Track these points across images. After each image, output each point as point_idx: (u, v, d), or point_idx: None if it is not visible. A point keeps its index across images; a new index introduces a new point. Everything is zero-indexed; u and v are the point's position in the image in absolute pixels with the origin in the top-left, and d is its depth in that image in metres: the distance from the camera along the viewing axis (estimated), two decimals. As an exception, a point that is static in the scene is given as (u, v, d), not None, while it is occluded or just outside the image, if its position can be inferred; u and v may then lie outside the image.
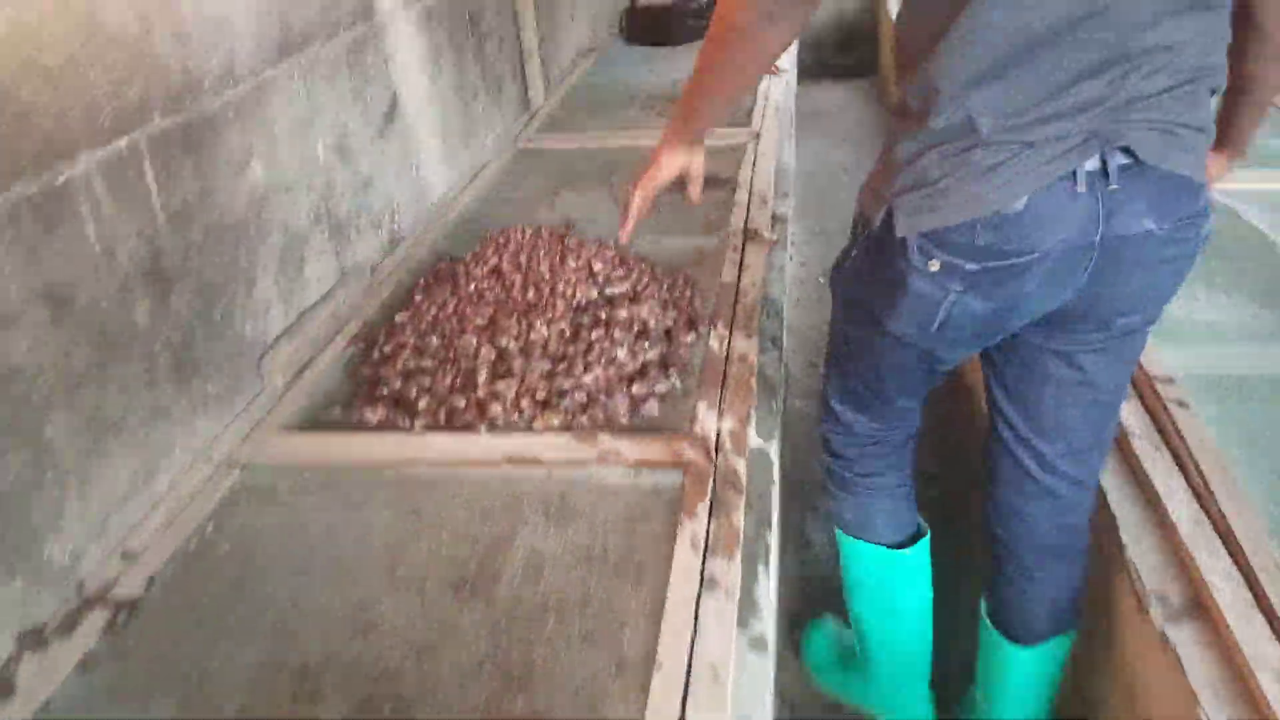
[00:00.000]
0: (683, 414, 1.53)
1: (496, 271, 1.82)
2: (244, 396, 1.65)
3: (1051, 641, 1.40)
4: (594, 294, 1.72)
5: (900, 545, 1.47)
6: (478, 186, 2.60)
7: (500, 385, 1.55)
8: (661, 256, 2.08)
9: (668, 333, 1.72)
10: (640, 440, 1.46)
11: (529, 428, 1.52)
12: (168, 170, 1.45)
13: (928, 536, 1.50)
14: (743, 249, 2.07)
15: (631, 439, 1.46)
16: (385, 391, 1.62)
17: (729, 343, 1.71)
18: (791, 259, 2.11)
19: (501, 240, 1.96)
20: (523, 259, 1.85)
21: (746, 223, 2.20)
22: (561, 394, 1.55)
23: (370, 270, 2.10)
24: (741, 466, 1.39)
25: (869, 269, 1.17)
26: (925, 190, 1.02)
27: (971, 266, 1.02)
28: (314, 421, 1.61)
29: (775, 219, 2.29)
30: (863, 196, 1.17)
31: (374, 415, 1.59)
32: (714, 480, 1.35)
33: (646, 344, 1.64)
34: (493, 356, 1.60)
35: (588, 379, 1.56)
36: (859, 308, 1.25)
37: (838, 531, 1.56)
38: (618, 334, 1.63)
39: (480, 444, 1.49)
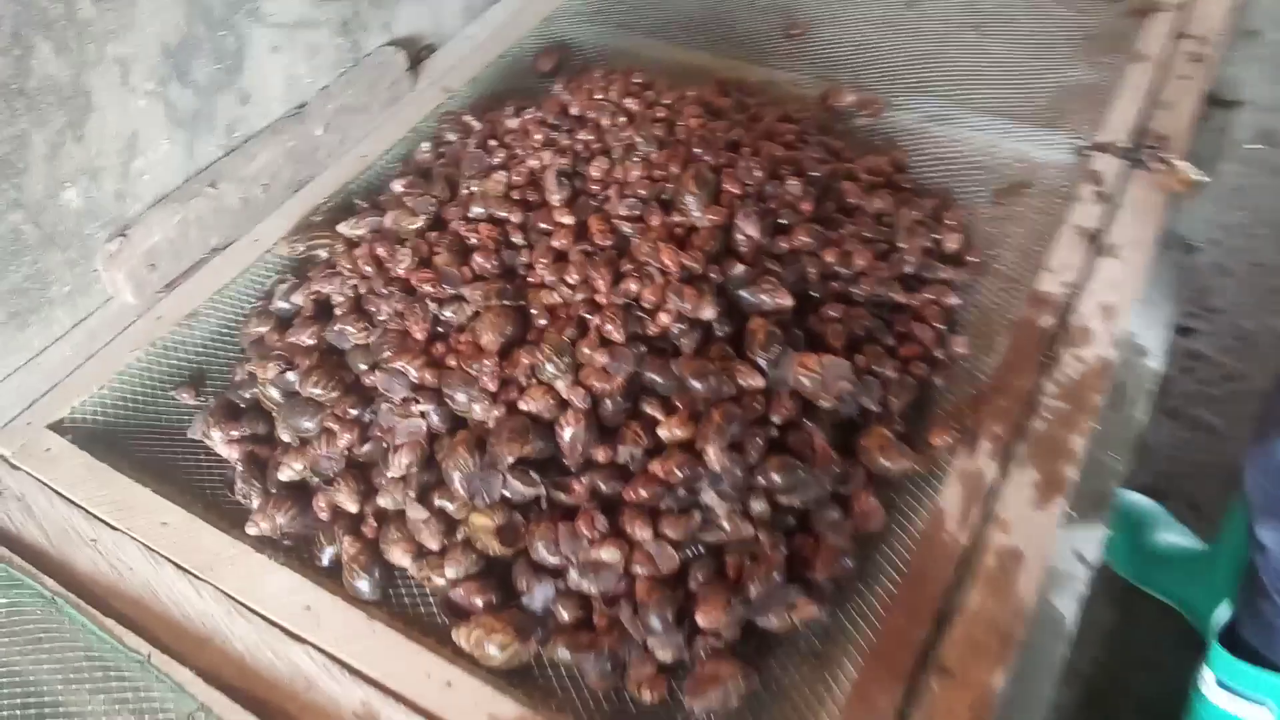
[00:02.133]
0: (801, 712, 0.63)
1: (523, 193, 0.86)
2: (50, 324, 0.90)
3: None
4: (707, 313, 0.75)
5: None
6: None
7: (416, 514, 0.70)
8: (933, 170, 1.02)
9: (845, 432, 0.75)
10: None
11: (444, 626, 0.68)
12: None
13: None
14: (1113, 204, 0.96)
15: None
16: (254, 403, 0.82)
17: (992, 503, 0.72)
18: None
19: (573, 108, 0.95)
20: (594, 176, 0.85)
21: (1139, 122, 1.04)
22: (538, 571, 0.67)
23: (413, 61, 1.19)
24: None
25: None
26: None
27: None
28: (127, 421, 0.85)
29: (1216, 106, 1.10)
30: None
31: (226, 446, 0.80)
32: None
33: (782, 476, 0.69)
34: (423, 430, 0.72)
35: (604, 556, 0.67)
36: None
37: None
38: (714, 452, 0.68)
39: (342, 627, 0.68)
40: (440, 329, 0.77)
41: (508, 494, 0.69)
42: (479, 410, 0.71)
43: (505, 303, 0.75)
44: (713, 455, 0.68)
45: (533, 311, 0.76)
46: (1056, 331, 0.83)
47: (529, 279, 0.79)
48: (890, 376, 0.77)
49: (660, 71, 1.08)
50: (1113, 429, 0.81)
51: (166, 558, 0.73)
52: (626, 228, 0.79)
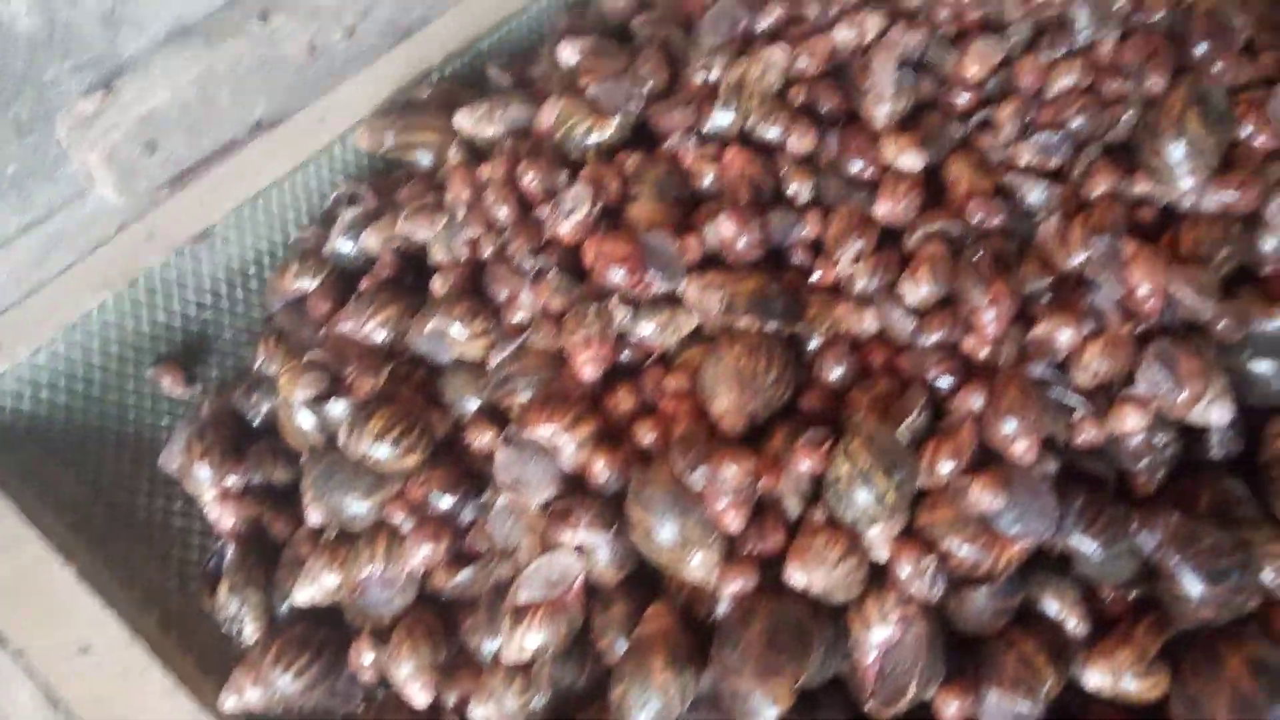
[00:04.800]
0: None
1: (812, 94, 0.43)
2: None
3: None
4: (1218, 413, 0.34)
5: None
6: None
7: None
8: None
9: None
10: None
11: None
12: None
13: None
14: None
15: None
16: (275, 426, 0.46)
17: None
18: None
19: None
20: (968, 76, 0.40)
21: None
22: None
23: None
24: None
25: None
26: None
27: None
28: (67, 414, 0.50)
29: None
30: None
31: (218, 503, 0.44)
32: None
33: None
34: (578, 580, 0.35)
35: None
36: None
37: None
38: None
39: None
40: (626, 356, 0.38)
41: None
42: (697, 563, 0.33)
43: (767, 323, 0.36)
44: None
45: (814, 349, 0.37)
46: None
47: (810, 279, 0.39)
48: None
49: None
50: None
51: (76, 725, 0.39)
52: (1034, 192, 0.38)
